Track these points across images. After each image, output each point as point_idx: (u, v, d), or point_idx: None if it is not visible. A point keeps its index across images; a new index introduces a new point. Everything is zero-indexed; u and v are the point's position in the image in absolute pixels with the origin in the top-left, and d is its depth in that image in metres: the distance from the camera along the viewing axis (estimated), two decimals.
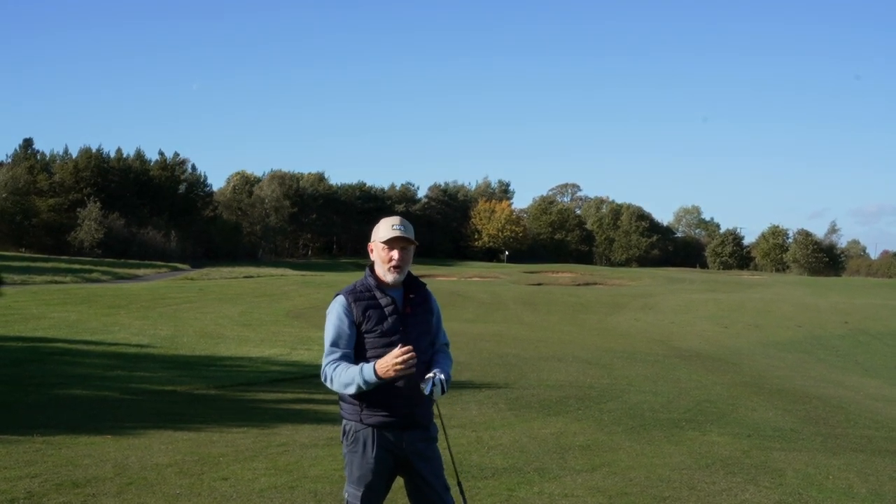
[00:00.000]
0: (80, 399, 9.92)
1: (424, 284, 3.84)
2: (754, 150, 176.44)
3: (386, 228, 3.69)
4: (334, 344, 3.57)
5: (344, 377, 3.46)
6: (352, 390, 3.47)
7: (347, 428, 3.63)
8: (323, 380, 3.57)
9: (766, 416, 11.04)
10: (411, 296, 3.74)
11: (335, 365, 3.52)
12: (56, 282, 35.25)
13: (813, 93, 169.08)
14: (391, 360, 3.36)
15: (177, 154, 76.03)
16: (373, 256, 3.74)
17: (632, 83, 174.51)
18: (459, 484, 3.83)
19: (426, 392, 3.49)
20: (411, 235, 3.70)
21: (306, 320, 23.98)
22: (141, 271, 46.61)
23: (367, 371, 3.42)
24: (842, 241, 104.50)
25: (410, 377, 3.51)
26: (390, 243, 3.66)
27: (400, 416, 3.59)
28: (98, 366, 13.03)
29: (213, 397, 10.66)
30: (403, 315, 3.66)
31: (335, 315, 3.62)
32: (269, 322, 23.01)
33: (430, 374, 3.53)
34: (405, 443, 3.61)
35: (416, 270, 3.88)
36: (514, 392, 11.90)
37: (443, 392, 3.52)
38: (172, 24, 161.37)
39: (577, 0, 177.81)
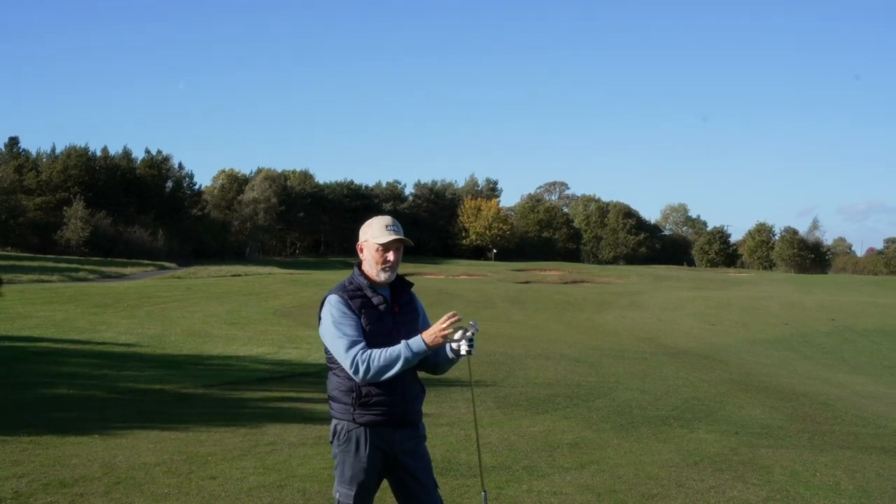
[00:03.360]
0: (68, 398, 9.85)
1: (411, 284, 3.85)
2: (742, 149, 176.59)
3: (380, 229, 3.68)
4: (351, 335, 3.53)
5: (383, 359, 3.45)
6: (395, 369, 3.45)
7: (339, 427, 3.61)
8: (354, 371, 3.49)
9: (753, 413, 11.11)
10: (400, 295, 3.75)
11: (366, 352, 3.49)
12: (42, 280, 35.02)
13: (802, 91, 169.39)
14: (438, 327, 3.41)
15: (160, 151, 75.72)
16: (363, 255, 3.72)
17: (619, 81, 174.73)
18: (484, 491, 3.81)
19: (465, 348, 3.48)
20: (403, 235, 3.71)
21: (294, 319, 23.93)
22: (128, 270, 46.34)
23: (415, 342, 3.45)
24: (826, 239, 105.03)
25: (410, 373, 3.60)
26: (387, 245, 3.66)
27: (392, 414, 3.58)
28: (85, 365, 12.97)
29: (200, 396, 10.62)
30: (393, 313, 3.67)
31: (338, 311, 3.58)
32: (256, 321, 22.95)
33: (471, 323, 3.55)
34: (396, 441, 3.61)
35: (404, 268, 3.88)
36: (503, 390, 11.92)
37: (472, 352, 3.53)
38: (159, 22, 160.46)
39: None
